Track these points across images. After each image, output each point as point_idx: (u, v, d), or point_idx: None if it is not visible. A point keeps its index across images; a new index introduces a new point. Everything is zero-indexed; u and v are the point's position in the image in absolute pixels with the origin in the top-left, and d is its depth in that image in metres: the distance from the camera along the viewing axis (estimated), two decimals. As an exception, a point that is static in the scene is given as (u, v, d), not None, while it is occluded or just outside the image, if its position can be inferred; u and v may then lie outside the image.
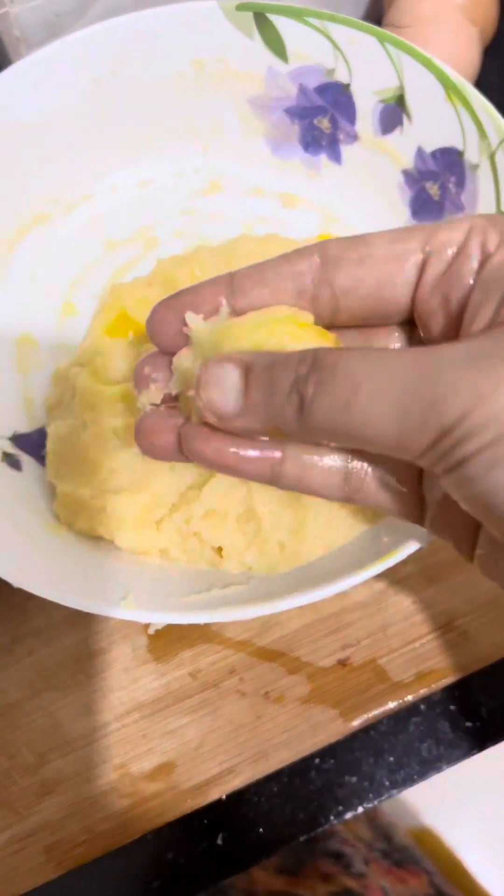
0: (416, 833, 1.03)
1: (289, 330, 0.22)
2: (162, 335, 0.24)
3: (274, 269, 0.23)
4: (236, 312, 0.24)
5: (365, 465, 0.24)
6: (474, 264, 0.22)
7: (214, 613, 0.29)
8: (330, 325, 0.24)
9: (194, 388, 0.22)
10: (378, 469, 0.24)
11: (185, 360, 0.24)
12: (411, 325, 0.25)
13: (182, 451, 0.24)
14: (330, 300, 0.23)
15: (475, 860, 0.98)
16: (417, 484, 0.24)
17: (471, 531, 0.23)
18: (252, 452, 0.23)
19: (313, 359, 0.20)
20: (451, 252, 0.22)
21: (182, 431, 0.24)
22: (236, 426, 0.22)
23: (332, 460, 0.24)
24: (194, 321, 0.23)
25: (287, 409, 0.21)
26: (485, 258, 0.22)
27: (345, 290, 0.23)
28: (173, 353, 0.24)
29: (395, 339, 0.25)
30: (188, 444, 0.24)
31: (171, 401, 0.25)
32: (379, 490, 0.24)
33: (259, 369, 0.21)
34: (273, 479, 0.24)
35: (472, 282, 0.22)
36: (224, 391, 0.22)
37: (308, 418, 0.20)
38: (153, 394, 0.25)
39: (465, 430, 0.18)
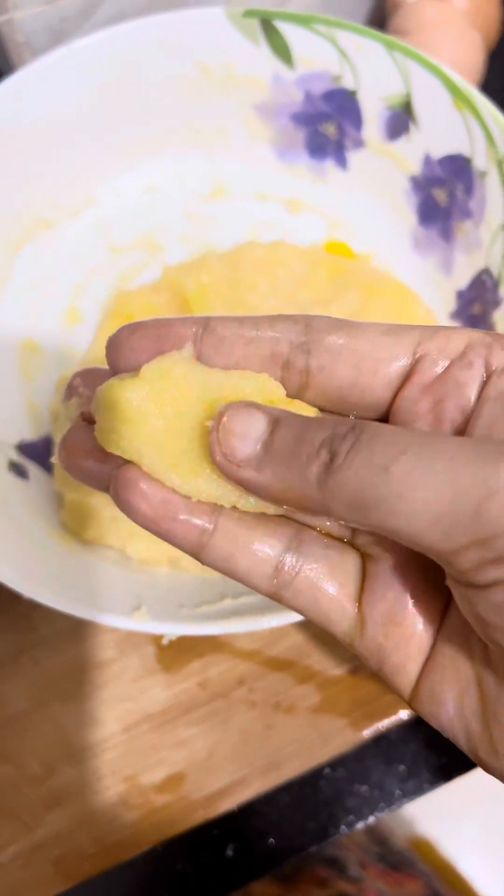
0: (412, 842, 1.03)
1: (258, 394, 0.20)
2: (117, 357, 0.22)
3: (254, 325, 0.21)
4: (199, 359, 0.22)
5: (300, 561, 0.22)
6: (476, 373, 0.20)
7: (228, 624, 0.29)
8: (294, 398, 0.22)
9: (211, 426, 0.20)
10: (315, 569, 0.22)
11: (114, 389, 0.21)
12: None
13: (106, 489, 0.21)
14: (302, 372, 0.21)
15: (473, 869, 0.98)
16: (357, 599, 0.22)
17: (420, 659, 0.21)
18: (184, 514, 0.20)
19: (354, 421, 0.19)
20: (448, 358, 0.21)
21: (116, 473, 0.21)
22: (245, 475, 0.20)
23: (267, 545, 0.21)
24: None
25: (313, 465, 0.19)
26: (490, 372, 0.20)
27: (320, 367, 0.21)
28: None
29: None
30: (118, 487, 0.21)
31: (90, 420, 0.22)
32: (308, 592, 0.22)
33: (290, 422, 0.20)
34: (198, 549, 0.21)
35: (474, 391, 0.20)
36: (246, 434, 0.20)
37: (334, 478, 0.18)
38: (72, 408, 0.23)
39: None
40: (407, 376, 0.21)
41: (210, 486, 0.20)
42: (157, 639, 0.37)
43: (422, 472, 0.17)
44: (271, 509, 0.21)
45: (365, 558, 0.22)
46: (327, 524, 0.22)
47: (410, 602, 0.21)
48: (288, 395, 0.22)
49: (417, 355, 0.21)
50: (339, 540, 0.23)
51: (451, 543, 0.17)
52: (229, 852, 0.36)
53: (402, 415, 0.21)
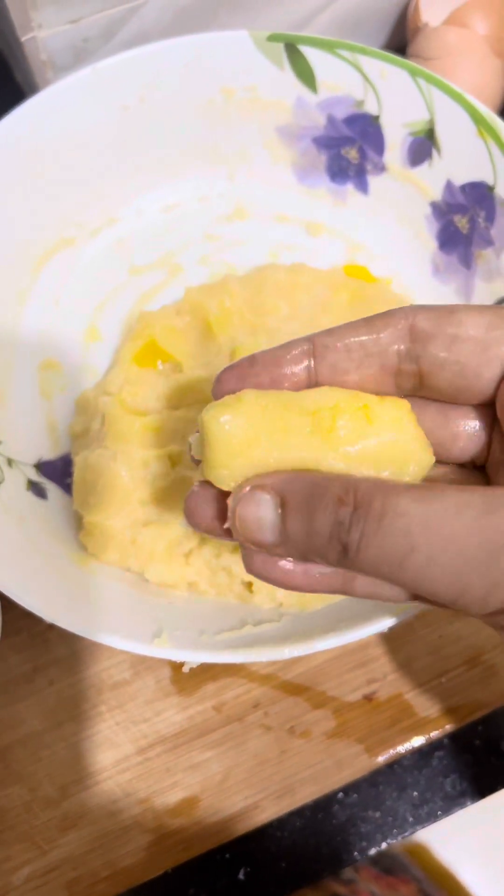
0: (407, 848, 1.03)
1: (345, 403, 0.21)
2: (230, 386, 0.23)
3: (357, 338, 0.22)
4: (318, 383, 0.22)
5: None
6: None
7: (250, 653, 0.29)
8: (411, 395, 0.23)
9: (228, 516, 0.21)
10: None
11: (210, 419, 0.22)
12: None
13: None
14: (413, 376, 0.22)
15: (470, 875, 0.98)
16: None
17: None
18: (320, 571, 0.22)
19: (355, 501, 0.19)
20: None
21: (242, 552, 0.23)
22: (279, 554, 0.21)
23: None
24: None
25: (330, 552, 0.20)
26: None
27: (429, 371, 0.22)
28: None
29: (472, 426, 0.23)
30: (249, 564, 0.22)
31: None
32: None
33: (295, 504, 0.20)
34: (344, 589, 0.23)
35: None
36: (260, 526, 0.21)
37: (356, 563, 0.20)
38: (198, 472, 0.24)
39: None
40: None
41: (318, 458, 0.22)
42: (172, 661, 0.37)
43: (435, 567, 0.18)
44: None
45: None
46: None
47: None
48: (404, 393, 0.23)
49: None
50: None
51: (470, 612, 0.19)
52: (241, 876, 0.36)
53: (502, 413, 0.22)
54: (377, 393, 0.22)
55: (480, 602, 0.18)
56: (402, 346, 0.22)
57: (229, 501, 0.21)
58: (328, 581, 0.22)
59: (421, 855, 1.05)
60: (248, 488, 0.21)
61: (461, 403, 0.23)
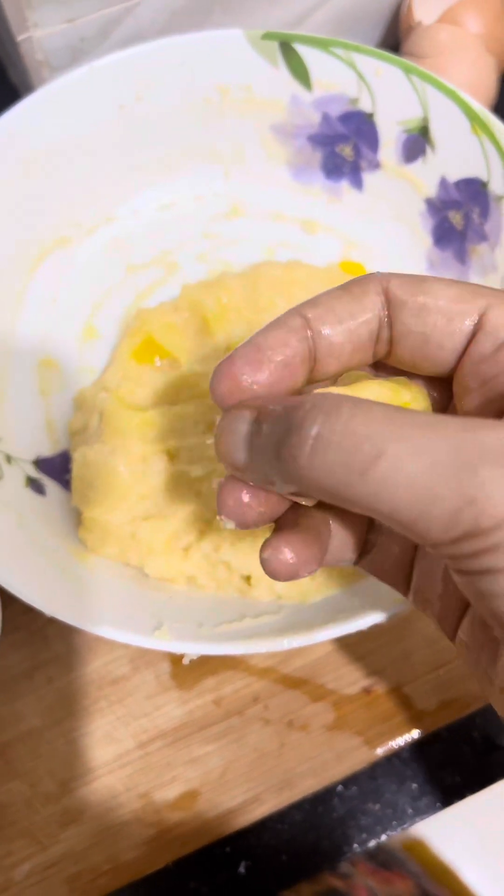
0: (406, 845, 1.04)
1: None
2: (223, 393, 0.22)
3: (341, 302, 0.22)
4: (317, 357, 0.22)
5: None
6: None
7: (250, 644, 0.29)
8: (374, 364, 0.24)
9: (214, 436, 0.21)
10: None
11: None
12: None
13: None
14: (386, 343, 0.22)
15: (470, 873, 0.99)
16: (409, 559, 0.24)
17: (455, 616, 0.22)
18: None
19: (313, 406, 0.18)
20: (501, 336, 0.21)
21: (267, 547, 0.21)
22: (247, 478, 0.21)
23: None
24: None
25: (285, 462, 0.18)
26: None
27: (397, 338, 0.22)
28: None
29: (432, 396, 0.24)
30: (269, 562, 0.21)
31: None
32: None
33: (265, 415, 0.20)
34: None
35: None
36: (234, 440, 0.20)
37: (310, 471, 0.18)
38: None
39: (501, 539, 0.16)
40: (469, 341, 0.22)
41: None
42: (171, 655, 0.37)
43: (402, 476, 0.17)
44: None
45: None
46: None
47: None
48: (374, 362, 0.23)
49: (480, 322, 0.21)
50: None
51: (428, 539, 0.17)
52: (242, 870, 0.36)
53: (458, 388, 0.22)
54: (361, 364, 0.23)
55: (445, 523, 0.17)
56: (384, 313, 0.22)
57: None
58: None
59: (419, 851, 1.05)
60: (234, 406, 0.20)
61: (422, 374, 0.23)
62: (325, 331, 0.21)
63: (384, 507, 0.17)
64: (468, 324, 0.21)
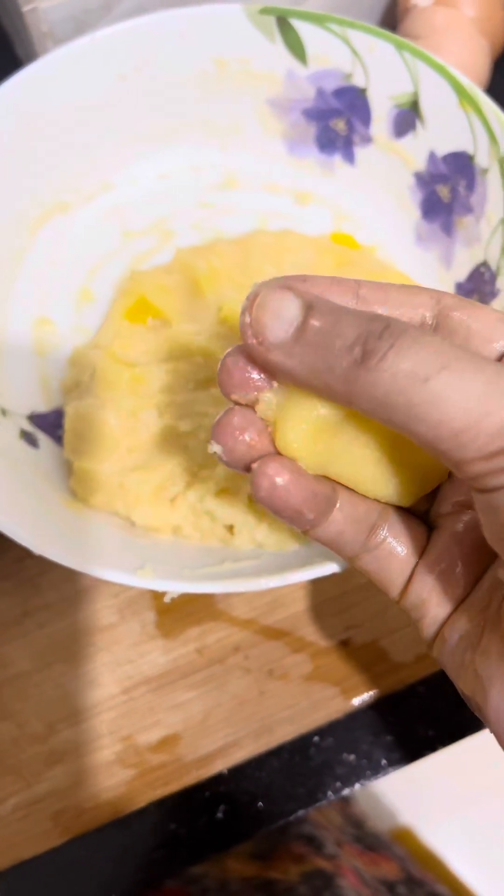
0: (394, 833, 1.05)
1: None
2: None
3: (398, 292, 0.23)
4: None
5: (387, 531, 0.24)
6: None
7: (228, 584, 0.30)
8: None
9: (243, 306, 0.20)
10: (397, 539, 0.24)
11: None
12: None
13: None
14: None
15: (457, 860, 1.00)
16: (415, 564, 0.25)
17: (446, 610, 0.24)
18: (310, 500, 0.22)
19: (389, 320, 0.19)
20: None
21: (258, 465, 0.22)
22: (275, 359, 0.20)
23: (369, 518, 0.24)
24: None
25: (343, 360, 0.19)
26: None
27: (442, 333, 0.23)
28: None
29: None
30: (258, 480, 0.22)
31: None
32: (385, 558, 0.24)
33: (323, 310, 0.20)
34: (312, 528, 0.24)
35: None
36: (278, 317, 0.20)
37: (367, 376, 0.18)
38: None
39: None
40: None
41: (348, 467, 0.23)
42: (157, 605, 0.39)
43: (459, 390, 0.18)
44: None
45: (433, 529, 0.25)
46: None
47: (459, 566, 0.24)
48: None
49: (439, 308, 0.22)
50: (417, 516, 0.25)
51: (466, 453, 0.18)
52: (220, 814, 0.37)
53: None
54: None
55: (490, 436, 0.18)
56: (431, 313, 0.22)
57: (248, 301, 0.20)
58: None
59: (406, 838, 1.07)
60: (272, 285, 0.20)
61: None
62: (370, 299, 0.22)
63: (435, 415, 0.18)
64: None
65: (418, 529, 0.25)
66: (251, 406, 0.22)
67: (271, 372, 0.21)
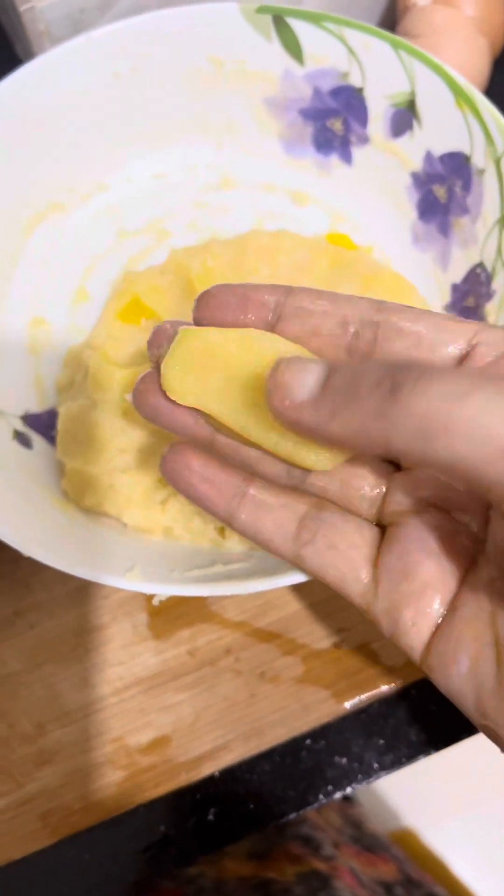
0: (396, 834, 1.05)
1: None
2: (205, 310, 0.24)
3: (333, 300, 0.23)
4: (279, 321, 0.24)
5: (320, 524, 0.24)
6: None
7: (217, 587, 0.30)
8: None
9: (269, 375, 0.21)
10: (334, 532, 0.24)
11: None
12: None
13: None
14: (369, 343, 0.23)
15: (459, 862, 1.00)
16: (373, 562, 0.24)
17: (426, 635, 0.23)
18: (223, 487, 0.24)
19: (414, 360, 0.20)
20: (500, 351, 0.22)
21: (169, 450, 0.24)
22: (304, 418, 0.20)
23: (292, 509, 0.24)
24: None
25: (373, 397, 0.18)
26: None
27: (385, 337, 0.22)
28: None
29: None
30: (167, 463, 0.25)
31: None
32: (327, 553, 0.24)
33: (345, 368, 0.20)
34: (229, 517, 0.24)
35: None
36: (303, 375, 0.20)
37: (401, 404, 0.18)
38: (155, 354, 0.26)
39: None
40: (460, 361, 0.22)
41: (258, 430, 0.23)
42: (148, 607, 0.38)
43: (494, 411, 0.17)
44: (311, 457, 0.22)
45: (386, 529, 0.24)
46: (350, 502, 0.24)
47: (427, 562, 0.23)
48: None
49: (473, 342, 0.22)
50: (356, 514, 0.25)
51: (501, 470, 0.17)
52: (210, 816, 0.37)
53: None
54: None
55: None
56: (368, 314, 0.22)
57: (271, 370, 0.21)
58: (221, 493, 0.24)
59: (407, 840, 1.06)
60: (292, 357, 0.21)
61: None
62: (300, 300, 0.23)
63: (478, 432, 0.17)
64: (461, 342, 0.22)
65: (364, 524, 0.24)
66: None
67: (304, 432, 0.21)
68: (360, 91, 0.42)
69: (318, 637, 0.38)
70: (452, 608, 0.23)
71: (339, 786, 0.38)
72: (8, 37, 0.55)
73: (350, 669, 0.37)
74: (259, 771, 0.37)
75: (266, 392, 0.21)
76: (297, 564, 0.24)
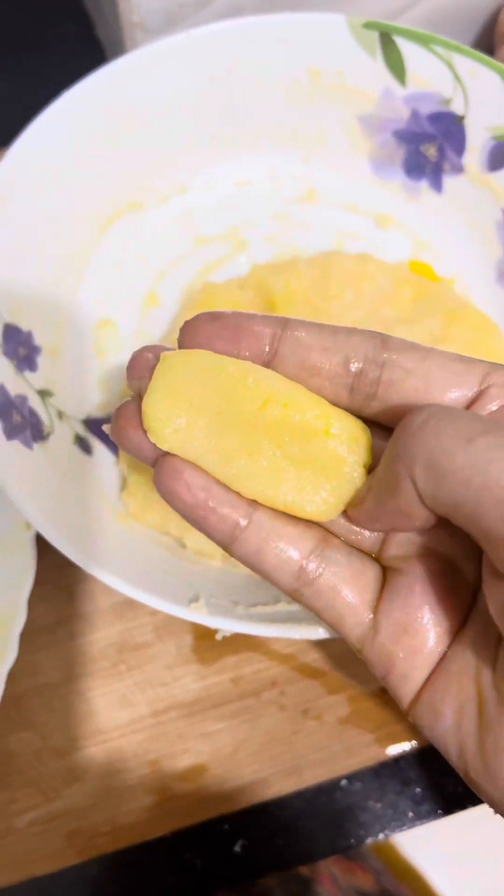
0: (375, 846, 1.05)
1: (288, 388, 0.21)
2: (192, 341, 0.22)
3: (333, 333, 0.22)
4: (275, 357, 0.22)
5: (324, 564, 0.23)
6: None
7: (286, 629, 0.29)
8: (356, 415, 0.23)
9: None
10: (337, 573, 0.23)
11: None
12: None
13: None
14: (372, 383, 0.22)
15: (437, 875, 1.00)
16: (373, 607, 0.23)
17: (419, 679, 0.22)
18: (221, 505, 0.22)
19: (432, 409, 0.19)
20: None
21: (160, 461, 0.22)
22: (370, 526, 0.22)
23: (295, 545, 0.23)
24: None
25: (404, 479, 0.19)
26: None
27: (391, 381, 0.21)
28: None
29: None
30: (161, 472, 0.22)
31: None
32: (328, 594, 0.23)
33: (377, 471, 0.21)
34: (230, 540, 0.22)
35: None
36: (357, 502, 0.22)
37: (414, 442, 0.19)
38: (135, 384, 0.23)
39: None
40: (469, 404, 0.21)
41: (252, 483, 0.21)
42: (194, 629, 0.38)
43: (499, 453, 0.17)
44: (308, 510, 0.22)
45: (388, 571, 0.23)
46: (354, 536, 0.23)
47: (427, 615, 0.22)
48: (353, 405, 0.22)
49: (484, 385, 0.21)
50: (362, 552, 0.24)
51: None
52: (237, 848, 0.36)
53: None
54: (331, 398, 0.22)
55: None
56: (372, 351, 0.21)
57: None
58: (220, 520, 0.22)
59: (386, 851, 1.06)
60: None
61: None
62: (298, 334, 0.22)
63: (481, 478, 0.17)
64: (470, 385, 0.21)
65: (368, 565, 0.23)
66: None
67: (369, 526, 0.22)
68: (460, 119, 0.40)
69: (365, 678, 0.37)
70: (443, 661, 0.22)
71: (371, 832, 0.37)
72: (90, 18, 0.53)
73: (395, 716, 0.37)
74: (291, 807, 0.36)
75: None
76: (294, 598, 0.23)
